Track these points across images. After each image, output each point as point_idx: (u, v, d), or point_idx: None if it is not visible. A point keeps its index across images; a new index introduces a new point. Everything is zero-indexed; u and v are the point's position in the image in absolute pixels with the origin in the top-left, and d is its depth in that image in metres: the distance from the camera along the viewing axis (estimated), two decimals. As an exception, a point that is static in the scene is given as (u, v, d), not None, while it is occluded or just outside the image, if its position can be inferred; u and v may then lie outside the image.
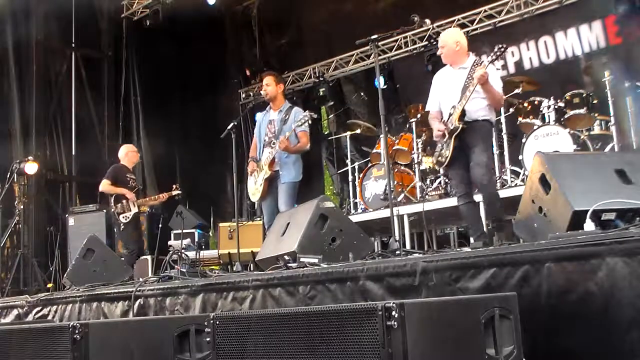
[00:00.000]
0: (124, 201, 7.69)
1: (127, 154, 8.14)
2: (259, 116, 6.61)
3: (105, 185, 7.79)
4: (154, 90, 10.96)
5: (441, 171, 7.16)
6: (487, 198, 5.21)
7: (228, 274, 5.70)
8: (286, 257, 4.38)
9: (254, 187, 6.25)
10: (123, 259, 7.68)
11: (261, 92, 6.47)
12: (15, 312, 5.84)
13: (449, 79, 5.36)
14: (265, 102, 6.64)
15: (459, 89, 5.13)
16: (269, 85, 6.32)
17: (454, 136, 5.05)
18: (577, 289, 2.67)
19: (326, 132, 11.09)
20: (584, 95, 6.93)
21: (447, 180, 7.51)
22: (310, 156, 8.46)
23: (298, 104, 10.72)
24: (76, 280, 6.02)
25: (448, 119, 5.16)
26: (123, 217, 7.66)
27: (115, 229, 8.14)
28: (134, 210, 7.69)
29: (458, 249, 5.84)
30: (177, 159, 11.11)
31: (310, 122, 6.05)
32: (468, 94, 5.00)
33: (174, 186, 8.10)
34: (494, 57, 5.01)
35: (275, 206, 6.10)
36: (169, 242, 9.01)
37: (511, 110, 7.27)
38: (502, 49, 5.06)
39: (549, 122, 6.88)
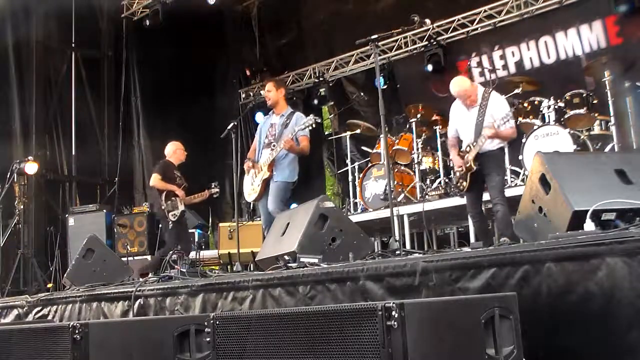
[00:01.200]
0: (174, 198, 7.54)
1: (176, 151, 7.93)
2: (260, 118, 6.63)
3: (156, 180, 7.60)
4: (154, 90, 10.94)
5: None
6: (500, 216, 5.62)
7: (228, 274, 5.70)
8: (286, 257, 4.38)
9: (251, 188, 6.28)
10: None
11: (262, 94, 6.49)
12: (15, 312, 5.84)
13: (465, 115, 5.91)
14: (264, 103, 6.66)
15: (472, 126, 5.74)
16: (270, 91, 6.37)
17: (469, 173, 5.70)
18: (577, 289, 2.67)
19: (327, 132, 11.08)
20: (584, 95, 6.93)
21: (447, 181, 7.53)
22: (311, 156, 8.45)
23: (298, 104, 10.78)
24: (76, 280, 6.02)
25: (465, 154, 5.77)
26: (172, 215, 7.48)
27: (161, 226, 7.93)
28: (181, 208, 7.53)
29: (458, 249, 5.86)
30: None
31: (313, 126, 6.08)
32: (481, 143, 5.61)
33: (213, 184, 7.97)
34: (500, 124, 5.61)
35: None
36: (169, 242, 9.00)
37: (511, 110, 7.27)
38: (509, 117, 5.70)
39: (549, 122, 6.88)
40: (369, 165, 8.31)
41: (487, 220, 6.28)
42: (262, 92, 6.51)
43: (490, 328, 2.45)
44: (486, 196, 5.97)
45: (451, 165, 7.61)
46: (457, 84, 5.92)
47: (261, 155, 6.25)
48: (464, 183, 5.78)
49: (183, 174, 7.90)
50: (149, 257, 9.17)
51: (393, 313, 2.08)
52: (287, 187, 6.12)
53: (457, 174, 5.96)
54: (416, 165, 7.84)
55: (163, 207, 7.52)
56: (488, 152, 5.73)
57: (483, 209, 6.08)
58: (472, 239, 6.54)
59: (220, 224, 8.97)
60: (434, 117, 8.15)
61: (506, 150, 6.66)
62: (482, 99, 5.80)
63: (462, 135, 5.96)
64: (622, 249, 2.55)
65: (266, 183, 6.13)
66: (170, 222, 7.51)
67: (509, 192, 6.20)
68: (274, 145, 6.08)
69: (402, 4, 9.66)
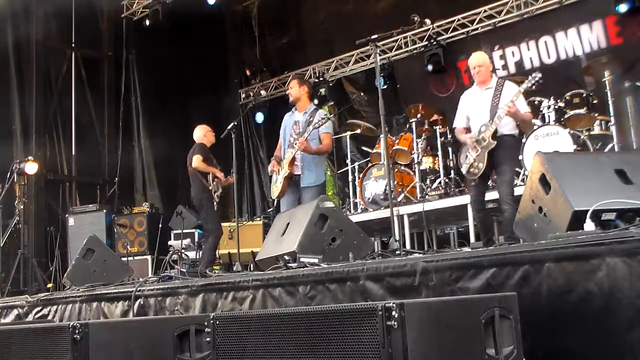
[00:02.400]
0: (216, 179, 7.35)
1: (206, 134, 7.68)
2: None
3: (199, 162, 7.30)
4: (154, 90, 10.96)
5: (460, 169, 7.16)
6: (507, 216, 5.39)
7: (228, 274, 5.70)
8: (286, 257, 4.38)
9: (274, 185, 6.29)
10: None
11: (262, 94, 6.48)
12: (15, 312, 5.84)
13: (477, 99, 5.82)
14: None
15: (487, 108, 5.63)
16: (292, 88, 6.38)
17: (487, 152, 5.50)
18: (577, 289, 2.67)
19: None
20: (584, 95, 6.93)
21: (447, 180, 7.52)
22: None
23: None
24: (76, 280, 6.01)
25: (479, 135, 5.59)
26: (217, 196, 7.31)
27: (205, 209, 7.44)
28: (220, 190, 7.40)
29: (458, 249, 5.86)
30: (177, 159, 11.10)
31: (327, 123, 6.07)
32: (499, 120, 5.49)
33: (231, 171, 7.76)
34: (528, 85, 5.58)
35: (293, 204, 6.10)
36: (169, 242, 9.00)
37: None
38: (538, 79, 5.62)
39: (549, 122, 6.88)
40: (369, 165, 8.30)
41: (491, 216, 6.18)
42: (262, 92, 6.48)
43: (490, 328, 2.45)
44: (489, 196, 5.93)
45: (451, 164, 7.63)
46: (478, 56, 6.00)
47: (286, 153, 6.26)
48: (480, 165, 5.49)
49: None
50: (149, 257, 9.18)
51: (393, 313, 2.08)
52: (321, 189, 6.08)
53: (469, 156, 5.64)
54: (416, 165, 7.83)
55: (210, 188, 7.29)
56: (504, 136, 5.54)
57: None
58: (472, 239, 6.53)
59: (221, 224, 8.96)
60: (434, 117, 8.14)
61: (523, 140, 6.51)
62: (496, 84, 5.74)
63: (474, 119, 5.76)
64: (622, 249, 2.55)
65: (288, 181, 6.13)
66: (215, 204, 7.32)
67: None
68: (295, 143, 6.09)
69: (402, 4, 9.67)
